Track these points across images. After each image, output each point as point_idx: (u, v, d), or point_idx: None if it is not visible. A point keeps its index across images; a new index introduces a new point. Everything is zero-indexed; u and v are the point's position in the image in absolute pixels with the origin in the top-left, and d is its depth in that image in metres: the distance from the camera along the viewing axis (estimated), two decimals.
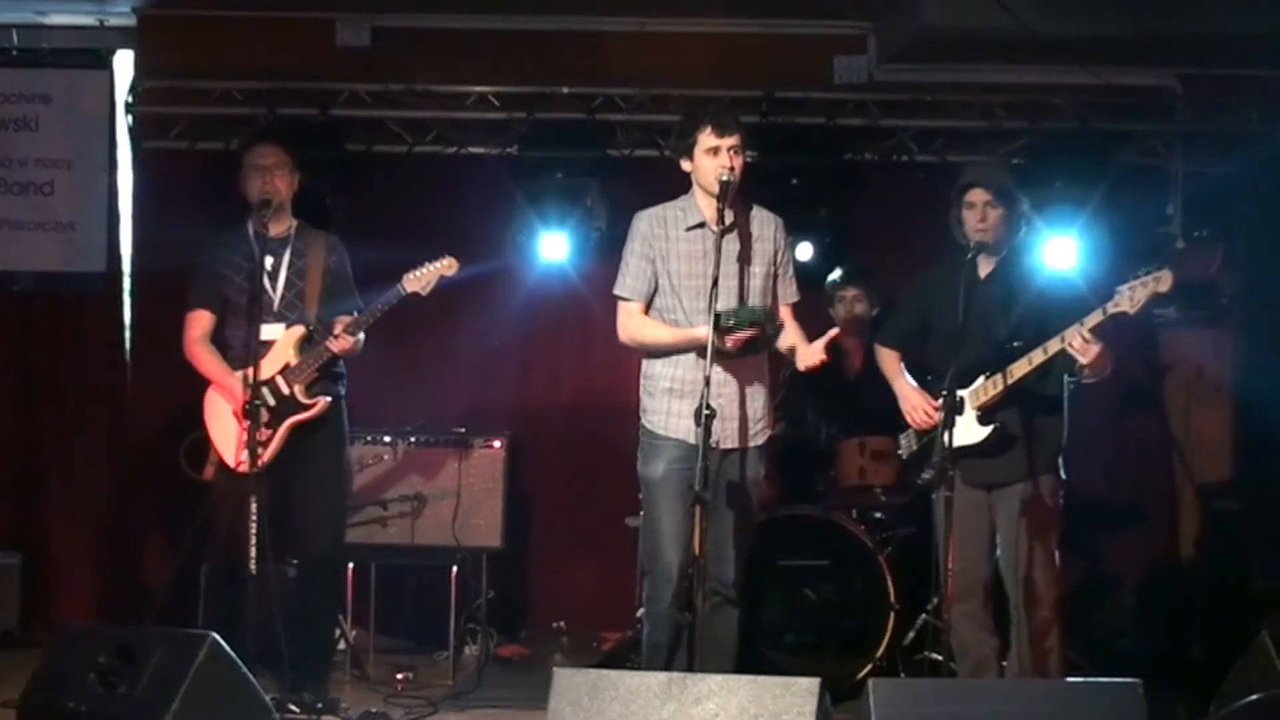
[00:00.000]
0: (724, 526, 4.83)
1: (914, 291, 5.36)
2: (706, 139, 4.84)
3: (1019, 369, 4.86)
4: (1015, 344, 4.90)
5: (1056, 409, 5.05)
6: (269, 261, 5.40)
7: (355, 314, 5.49)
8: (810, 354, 4.81)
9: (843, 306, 6.45)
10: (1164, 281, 4.58)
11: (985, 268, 5.02)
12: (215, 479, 5.40)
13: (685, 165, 4.94)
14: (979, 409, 4.94)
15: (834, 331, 4.84)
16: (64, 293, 7.04)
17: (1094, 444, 6.71)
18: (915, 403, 5.13)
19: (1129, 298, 4.63)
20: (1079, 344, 4.69)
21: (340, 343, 5.33)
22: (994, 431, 4.94)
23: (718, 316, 4.62)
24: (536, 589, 7.13)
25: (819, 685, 3.98)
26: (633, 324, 4.97)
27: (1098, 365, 4.77)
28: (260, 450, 5.10)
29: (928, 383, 5.16)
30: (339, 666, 6.20)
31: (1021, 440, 4.97)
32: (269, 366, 5.31)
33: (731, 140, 4.83)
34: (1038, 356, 4.82)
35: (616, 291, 5.00)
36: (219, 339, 5.49)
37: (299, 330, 5.43)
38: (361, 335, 5.36)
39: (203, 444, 5.45)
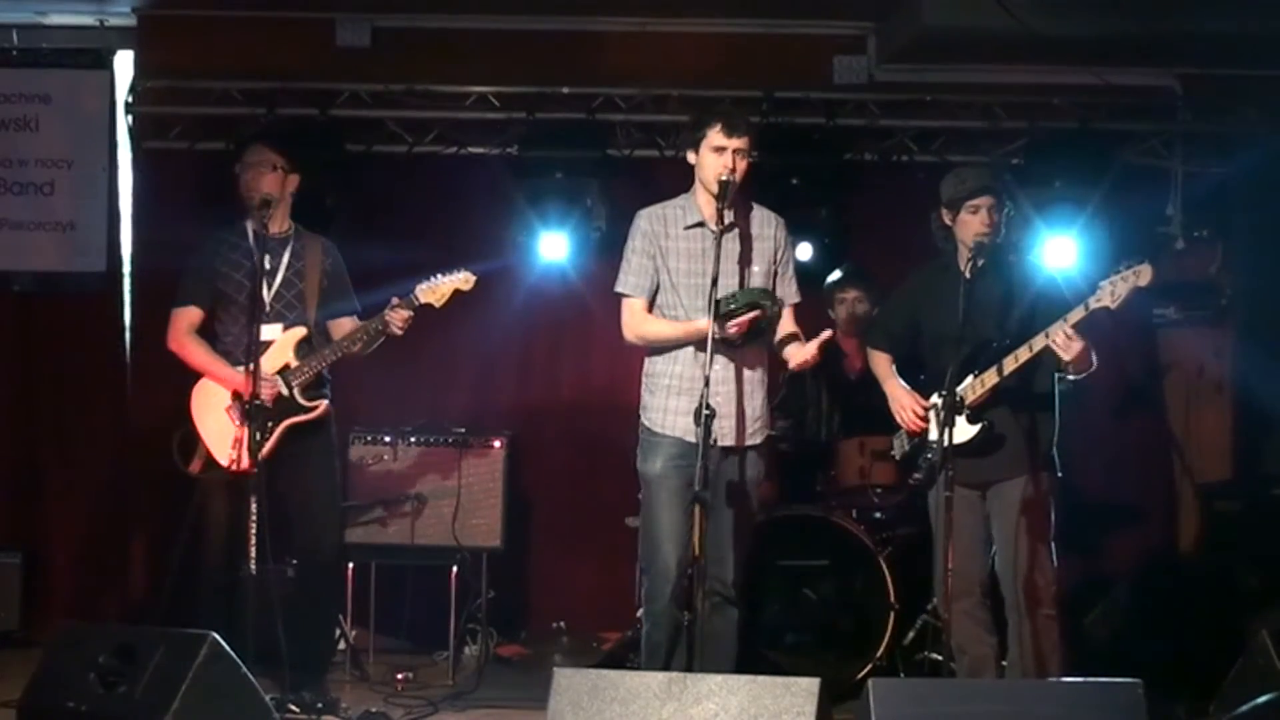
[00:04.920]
0: (723, 526, 4.84)
1: (902, 293, 5.39)
2: (715, 137, 4.84)
3: (1006, 367, 4.88)
4: (1004, 343, 4.92)
5: (1047, 407, 5.06)
6: (266, 261, 5.40)
7: (355, 317, 5.50)
8: (802, 351, 4.80)
9: (843, 308, 6.45)
10: (1144, 275, 4.62)
11: (972, 267, 5.03)
12: (203, 475, 5.40)
13: (690, 158, 4.96)
14: (968, 408, 4.95)
15: (827, 333, 4.84)
16: (64, 293, 7.03)
17: (1094, 444, 6.73)
18: (905, 404, 5.15)
19: (1110, 292, 4.68)
20: (1061, 340, 4.72)
21: (398, 314, 5.29)
22: (982, 430, 4.95)
23: (717, 304, 4.62)
24: (536, 589, 7.13)
25: (819, 685, 3.98)
26: (636, 321, 4.98)
27: (1081, 362, 4.80)
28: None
29: (920, 383, 5.18)
30: (339, 666, 6.21)
31: (1012, 438, 4.99)
32: (267, 366, 5.31)
33: (739, 142, 4.83)
34: (1023, 354, 4.85)
35: (619, 289, 5.00)
36: (210, 335, 5.49)
37: (299, 332, 5.43)
38: (406, 314, 5.32)
39: (194, 437, 5.44)
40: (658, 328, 4.95)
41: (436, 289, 5.31)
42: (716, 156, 4.84)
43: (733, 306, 4.67)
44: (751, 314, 4.70)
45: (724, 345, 4.70)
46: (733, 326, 4.69)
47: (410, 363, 6.70)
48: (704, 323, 4.67)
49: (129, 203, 7.09)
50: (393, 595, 6.62)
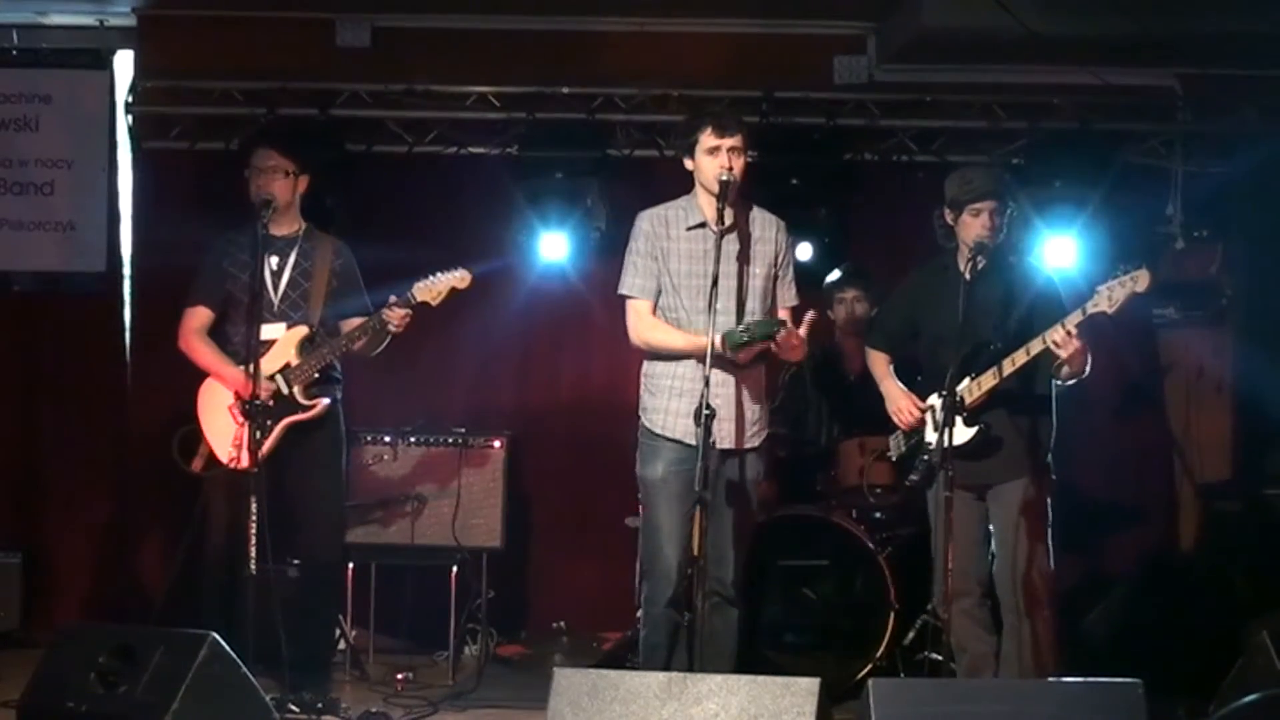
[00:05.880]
0: (723, 527, 4.84)
1: (901, 293, 5.40)
2: (707, 139, 4.86)
3: (1004, 370, 4.88)
4: (1000, 344, 4.91)
5: (1045, 409, 5.06)
6: (274, 261, 5.43)
7: (367, 315, 5.50)
8: (792, 337, 4.77)
9: (842, 308, 6.44)
10: (1141, 281, 4.62)
11: (972, 268, 5.02)
12: (207, 474, 5.40)
13: (687, 164, 4.97)
14: (965, 410, 4.95)
15: (811, 314, 4.83)
16: (64, 293, 7.04)
17: (1094, 444, 6.73)
18: (901, 404, 5.16)
19: (1107, 297, 4.67)
20: (1060, 337, 4.72)
21: (396, 312, 5.30)
22: (979, 432, 4.95)
23: (727, 335, 4.67)
24: (536, 589, 7.13)
25: (819, 685, 3.98)
26: (643, 325, 4.97)
27: (1076, 363, 4.81)
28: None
29: (917, 384, 5.18)
30: (339, 666, 6.21)
31: (1009, 441, 4.99)
32: (269, 365, 5.32)
33: (732, 141, 4.84)
34: (1020, 357, 4.85)
35: (623, 291, 4.99)
36: (219, 335, 5.51)
37: (301, 330, 5.44)
38: (403, 312, 5.32)
39: (195, 436, 5.45)
40: (665, 336, 4.94)
41: (433, 287, 5.32)
42: (712, 158, 4.84)
43: (746, 339, 4.70)
44: (763, 346, 4.75)
45: (727, 363, 4.71)
46: (742, 354, 4.73)
47: (410, 363, 6.70)
48: (712, 339, 4.68)
49: (129, 203, 7.09)
50: (393, 595, 6.61)
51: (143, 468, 6.72)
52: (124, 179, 7.09)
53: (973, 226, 5.01)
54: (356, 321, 5.50)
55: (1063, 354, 4.75)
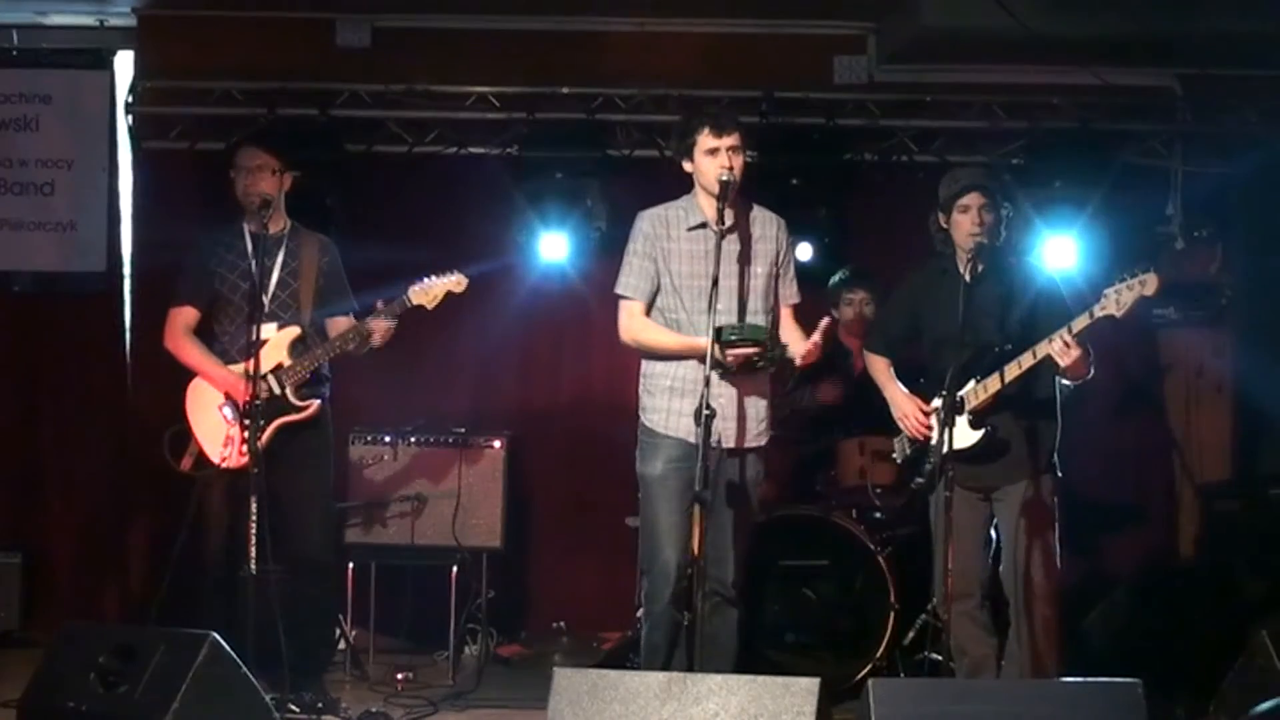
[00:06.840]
0: (723, 526, 4.84)
1: (900, 296, 5.38)
2: (705, 140, 4.85)
3: (1009, 373, 4.87)
4: (1006, 347, 4.91)
5: (1050, 410, 5.05)
6: (263, 260, 5.40)
7: (352, 315, 5.49)
8: (805, 343, 4.79)
9: (850, 309, 6.43)
10: (1150, 284, 4.60)
11: (972, 270, 5.02)
12: (197, 474, 5.40)
13: (686, 166, 4.96)
14: (970, 413, 4.94)
15: (826, 321, 4.82)
16: (64, 293, 7.04)
17: (1094, 444, 6.72)
18: (906, 409, 5.14)
19: (1115, 300, 4.65)
20: (1058, 347, 4.70)
21: (381, 323, 5.30)
22: (985, 435, 4.95)
23: (719, 330, 4.62)
24: (536, 589, 7.13)
25: (819, 685, 3.98)
26: (635, 325, 4.97)
27: (1078, 370, 4.79)
28: (245, 449, 5.11)
29: (920, 386, 5.17)
30: (339, 666, 6.21)
31: (1015, 443, 4.98)
32: (262, 365, 5.30)
33: (730, 140, 4.84)
34: (1027, 360, 4.84)
35: (618, 291, 5.00)
36: (205, 335, 5.50)
37: (293, 331, 5.44)
38: (387, 325, 5.32)
39: (184, 435, 5.45)
40: (656, 336, 4.94)
41: (429, 291, 5.33)
42: (711, 159, 4.84)
43: (734, 337, 4.67)
44: (751, 349, 4.70)
45: (718, 368, 4.67)
46: (730, 355, 4.69)
47: (410, 363, 6.70)
48: (702, 341, 4.67)
49: (129, 203, 7.09)
50: (393, 595, 6.62)
51: (142, 467, 6.71)
52: (124, 179, 7.09)
53: (963, 224, 4.99)
54: (344, 322, 5.50)
55: (1063, 362, 4.74)
